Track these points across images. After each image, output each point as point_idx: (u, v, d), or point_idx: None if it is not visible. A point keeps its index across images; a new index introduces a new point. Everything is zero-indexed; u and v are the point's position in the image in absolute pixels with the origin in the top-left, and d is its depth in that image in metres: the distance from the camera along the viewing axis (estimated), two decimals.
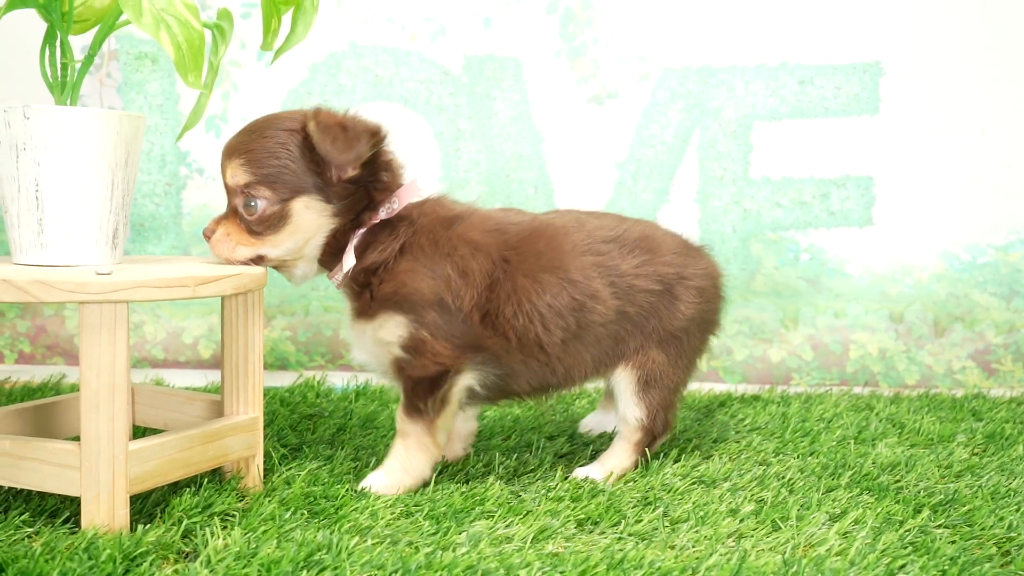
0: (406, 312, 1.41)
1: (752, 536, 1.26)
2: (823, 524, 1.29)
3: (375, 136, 1.39)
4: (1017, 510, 1.35)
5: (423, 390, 1.43)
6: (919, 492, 1.44)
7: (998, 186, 2.23)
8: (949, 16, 2.21)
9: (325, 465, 1.52)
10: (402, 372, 1.44)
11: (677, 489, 1.46)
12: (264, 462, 1.49)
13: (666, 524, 1.31)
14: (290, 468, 1.50)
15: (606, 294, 1.50)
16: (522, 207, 2.24)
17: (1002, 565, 1.17)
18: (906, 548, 1.21)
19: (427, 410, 1.44)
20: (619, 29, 2.22)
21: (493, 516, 1.31)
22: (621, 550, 1.19)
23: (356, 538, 1.19)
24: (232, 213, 1.42)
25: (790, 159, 2.24)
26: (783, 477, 1.51)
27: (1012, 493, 1.43)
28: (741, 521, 1.31)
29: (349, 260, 1.42)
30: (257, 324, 1.44)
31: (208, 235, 1.43)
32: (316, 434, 1.73)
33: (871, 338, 2.25)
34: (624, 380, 1.55)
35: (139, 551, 1.12)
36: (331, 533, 1.19)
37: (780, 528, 1.29)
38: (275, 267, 1.46)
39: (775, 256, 2.25)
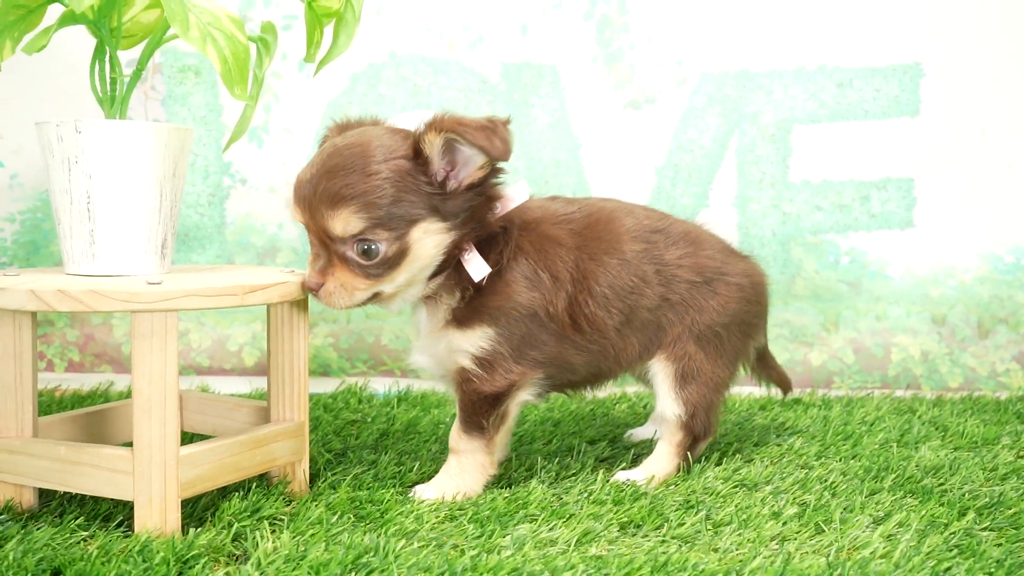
0: (500, 326, 1.40)
1: (795, 539, 1.26)
2: (867, 527, 1.29)
3: (507, 125, 1.34)
4: None
5: (486, 406, 1.42)
6: (964, 495, 1.43)
7: None
8: (991, 15, 2.20)
9: (369, 470, 1.54)
10: (467, 384, 1.42)
11: (719, 492, 1.46)
12: (309, 467, 1.51)
13: (709, 527, 1.31)
14: (335, 473, 1.52)
15: (654, 279, 1.52)
16: None
17: None
18: (951, 551, 1.20)
19: (488, 427, 1.43)
20: (656, 34, 2.23)
21: (536, 519, 1.32)
22: (665, 552, 1.20)
23: (402, 541, 1.20)
24: (338, 260, 1.33)
25: (830, 162, 2.23)
26: (825, 480, 1.51)
27: None
28: (784, 524, 1.31)
29: (482, 268, 1.37)
30: (302, 331, 1.46)
31: (315, 288, 1.35)
32: (360, 439, 1.75)
33: (913, 341, 2.24)
34: (661, 372, 1.56)
35: (192, 554, 1.14)
36: (378, 536, 1.21)
37: (823, 531, 1.29)
38: (381, 300, 1.39)
39: (815, 259, 2.25)
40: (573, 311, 1.45)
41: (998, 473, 1.56)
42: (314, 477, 1.50)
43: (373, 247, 1.31)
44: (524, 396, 1.46)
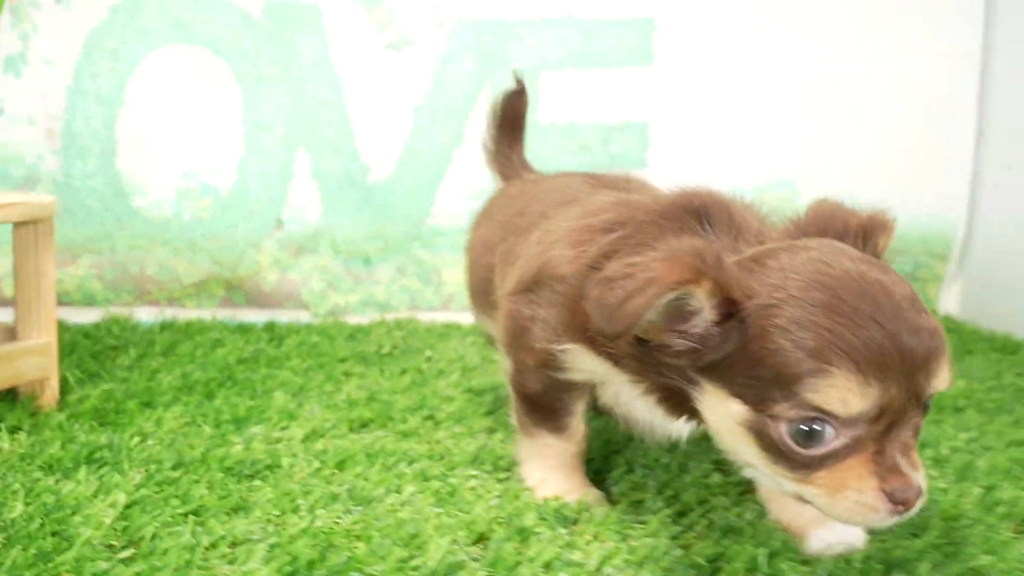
0: None
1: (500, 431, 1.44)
2: None
3: None
4: None
5: None
6: None
7: (756, 129, 2.47)
8: None
9: (121, 386, 1.61)
10: None
11: (449, 397, 1.63)
12: (63, 387, 1.57)
13: (430, 425, 1.48)
14: (85, 389, 1.59)
15: None
16: (324, 149, 2.35)
17: None
18: None
19: None
20: None
21: (272, 421, 1.45)
22: (382, 445, 1.35)
23: (137, 438, 1.30)
24: (910, 443, 0.93)
25: (575, 106, 2.42)
26: None
27: None
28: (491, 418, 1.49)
29: None
30: (48, 252, 1.52)
31: (917, 495, 0.90)
32: (117, 361, 1.81)
33: None
34: None
35: None
36: (114, 435, 1.30)
37: None
38: None
39: None
40: None
41: None
42: (65, 395, 1.56)
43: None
44: None
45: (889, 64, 2.45)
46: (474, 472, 1.27)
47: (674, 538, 1.09)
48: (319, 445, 1.36)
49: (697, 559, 1.03)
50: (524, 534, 1.07)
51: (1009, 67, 2.41)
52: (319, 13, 2.32)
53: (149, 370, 1.74)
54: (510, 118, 1.74)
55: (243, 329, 2.14)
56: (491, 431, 1.45)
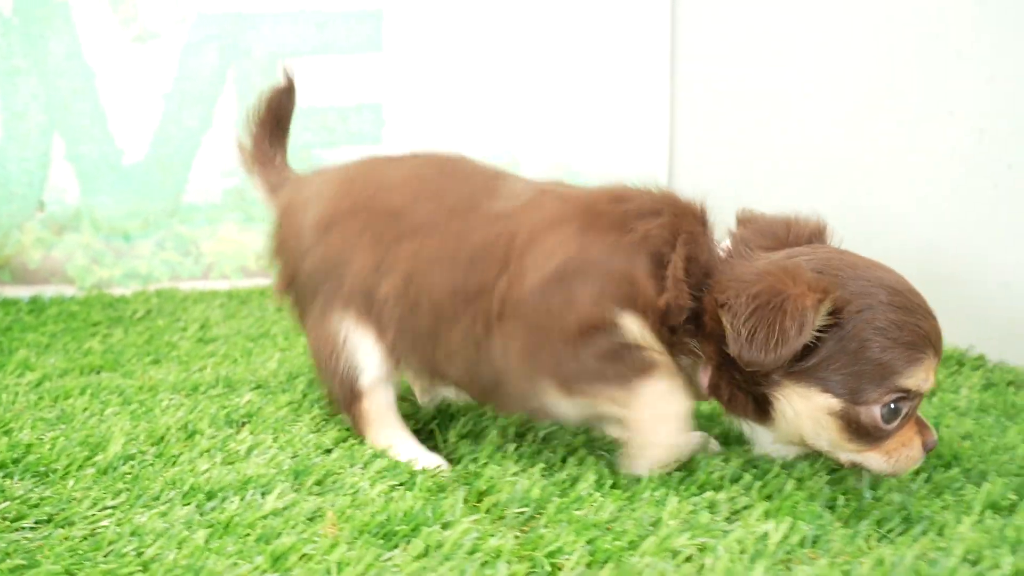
0: None
1: None
2: None
3: None
4: None
5: None
6: None
7: (477, 107, 2.79)
8: None
9: None
10: None
11: (178, 346, 1.89)
12: None
13: (152, 367, 1.74)
14: None
15: None
16: (80, 135, 2.55)
17: None
18: None
19: None
20: None
21: (7, 371, 1.68)
22: (100, 382, 1.60)
23: None
24: None
25: (314, 91, 2.69)
26: None
27: None
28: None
29: None
30: None
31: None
32: None
33: None
34: None
35: None
36: None
37: None
38: None
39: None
40: None
41: None
42: None
43: None
44: None
45: (590, 46, 2.82)
46: (172, 396, 1.54)
47: (316, 431, 1.39)
48: (45, 386, 1.60)
49: (325, 441, 1.34)
50: (194, 435, 1.35)
51: (692, 51, 2.83)
52: (68, 9, 2.51)
53: None
54: (276, 115, 1.56)
55: (5, 303, 2.33)
56: (203, 368, 1.72)
